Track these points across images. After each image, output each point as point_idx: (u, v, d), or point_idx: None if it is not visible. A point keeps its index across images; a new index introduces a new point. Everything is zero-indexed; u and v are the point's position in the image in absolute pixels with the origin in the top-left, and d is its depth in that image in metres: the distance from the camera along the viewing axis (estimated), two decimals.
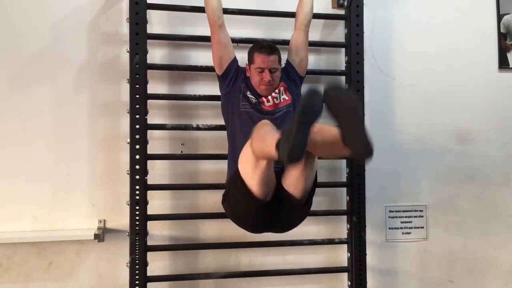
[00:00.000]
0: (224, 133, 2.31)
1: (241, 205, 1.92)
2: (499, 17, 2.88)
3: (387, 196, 2.73)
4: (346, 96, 1.55)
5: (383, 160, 2.70)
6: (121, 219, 2.40)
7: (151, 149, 2.33)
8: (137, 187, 2.27)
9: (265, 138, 1.68)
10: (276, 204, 1.90)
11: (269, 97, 2.19)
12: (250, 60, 2.20)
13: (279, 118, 2.18)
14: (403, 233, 2.74)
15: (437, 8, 2.81)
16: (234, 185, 1.98)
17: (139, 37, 2.30)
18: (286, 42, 2.40)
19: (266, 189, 1.82)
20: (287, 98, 2.24)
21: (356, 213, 2.50)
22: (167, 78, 2.49)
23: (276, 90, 2.21)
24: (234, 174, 2.01)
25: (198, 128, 2.42)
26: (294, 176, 1.85)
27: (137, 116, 2.28)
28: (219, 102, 2.31)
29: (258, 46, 2.18)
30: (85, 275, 2.41)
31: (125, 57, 2.37)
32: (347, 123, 1.53)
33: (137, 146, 2.27)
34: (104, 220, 2.42)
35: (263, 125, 1.81)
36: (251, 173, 1.79)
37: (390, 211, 2.73)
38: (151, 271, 2.32)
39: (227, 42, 2.23)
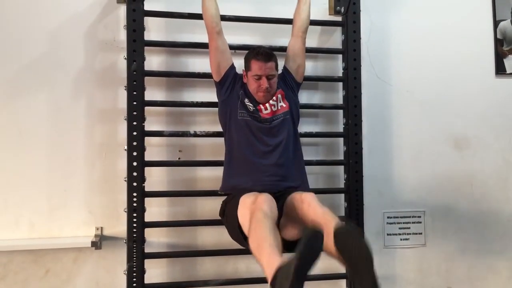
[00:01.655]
0: (221, 140, 2.31)
1: (237, 230, 1.95)
2: (496, 23, 2.89)
3: (385, 202, 2.73)
4: (360, 244, 1.49)
5: (380, 166, 2.71)
6: (119, 226, 2.40)
7: (148, 156, 2.33)
8: (135, 194, 2.26)
9: (263, 247, 1.64)
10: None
11: (267, 105, 2.19)
12: (247, 67, 2.20)
13: (276, 127, 2.18)
14: (401, 239, 2.74)
15: (434, 14, 2.82)
16: (229, 212, 2.05)
17: (137, 44, 2.30)
18: (283, 49, 2.41)
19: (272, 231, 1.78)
20: (284, 105, 2.24)
21: (354, 219, 2.50)
22: (165, 85, 2.49)
23: (274, 98, 2.21)
24: (229, 202, 2.08)
25: (195, 134, 2.41)
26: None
27: (135, 123, 2.28)
28: (217, 109, 2.31)
29: (255, 52, 2.18)
30: (82, 283, 2.40)
31: (122, 64, 2.37)
32: (360, 272, 1.48)
33: (135, 153, 2.27)
34: (102, 228, 2.42)
35: (262, 220, 1.72)
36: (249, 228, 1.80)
37: (388, 217, 2.73)
38: (148, 278, 2.31)
39: (225, 49, 2.23)
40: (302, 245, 1.42)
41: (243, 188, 2.06)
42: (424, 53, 2.80)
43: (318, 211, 1.78)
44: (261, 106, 2.19)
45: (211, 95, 2.37)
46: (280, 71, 2.30)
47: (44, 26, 2.41)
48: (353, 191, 2.52)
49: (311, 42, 2.59)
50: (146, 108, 2.34)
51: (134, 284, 2.24)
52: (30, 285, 2.36)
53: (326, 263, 2.57)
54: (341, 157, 2.62)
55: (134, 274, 2.24)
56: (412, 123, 2.77)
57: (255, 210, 1.78)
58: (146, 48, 2.34)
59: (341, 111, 2.63)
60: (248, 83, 2.21)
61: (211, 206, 2.41)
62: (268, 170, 2.13)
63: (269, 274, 1.55)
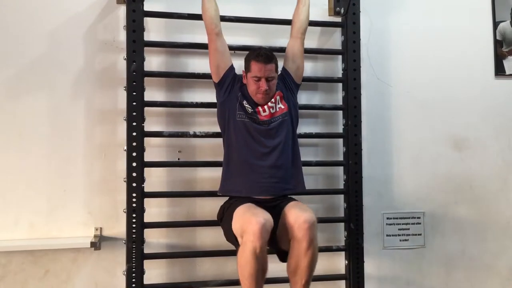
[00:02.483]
0: (221, 140, 2.31)
1: (234, 237, 2.02)
2: (495, 24, 2.90)
3: (385, 203, 2.73)
4: None
5: (380, 167, 2.71)
6: (118, 227, 2.40)
7: (148, 157, 2.33)
8: (134, 194, 2.26)
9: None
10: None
11: (265, 107, 2.19)
12: (247, 68, 2.20)
13: (274, 129, 2.19)
14: (400, 240, 2.74)
15: (433, 15, 2.83)
16: (226, 218, 2.09)
17: (136, 44, 2.30)
18: (282, 50, 2.41)
19: (259, 281, 1.94)
20: (283, 107, 2.24)
21: (353, 220, 2.50)
22: (164, 86, 2.49)
23: (272, 99, 2.21)
24: (226, 211, 2.12)
25: (195, 135, 2.42)
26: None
27: (134, 124, 2.28)
28: (216, 110, 2.31)
29: (255, 54, 2.17)
30: (81, 284, 2.40)
31: (122, 64, 2.37)
32: None
33: (134, 154, 2.27)
34: (101, 228, 2.41)
35: (251, 262, 1.86)
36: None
37: (387, 218, 2.73)
38: (148, 279, 2.31)
39: (224, 49, 2.23)
40: None
41: (238, 196, 2.13)
42: (423, 54, 2.80)
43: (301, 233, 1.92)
44: (260, 108, 2.19)
45: (210, 96, 2.37)
46: (279, 72, 2.30)
47: (44, 26, 2.41)
48: (353, 192, 2.52)
49: (311, 43, 2.60)
50: (146, 108, 2.34)
51: (133, 285, 2.24)
52: (29, 285, 2.35)
53: (325, 265, 2.58)
54: (341, 158, 2.62)
55: (133, 274, 2.24)
56: (411, 124, 2.77)
57: (247, 242, 1.85)
58: (145, 48, 2.34)
59: (340, 112, 2.63)
60: (247, 84, 2.21)
61: (211, 207, 2.41)
62: (266, 171, 2.14)
63: None
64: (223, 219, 2.15)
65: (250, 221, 1.87)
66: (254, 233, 1.83)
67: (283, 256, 2.08)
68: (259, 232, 1.83)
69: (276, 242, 2.07)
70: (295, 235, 1.93)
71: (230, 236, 2.07)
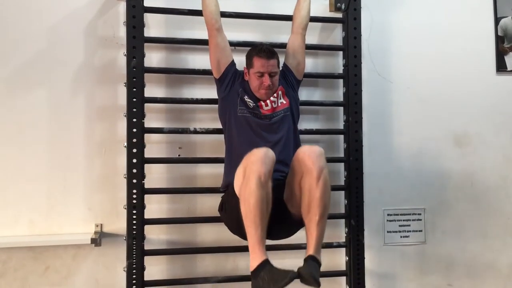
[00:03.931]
0: (221, 137, 2.31)
1: (237, 221, 1.92)
2: (497, 20, 2.88)
3: (385, 199, 2.72)
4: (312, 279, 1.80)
5: (381, 163, 2.70)
6: (118, 223, 2.40)
7: (148, 153, 2.32)
8: (134, 191, 2.26)
9: (251, 228, 1.80)
10: (275, 216, 1.89)
11: (267, 101, 2.19)
12: (249, 64, 2.19)
13: (276, 123, 2.18)
14: (401, 237, 2.74)
15: (434, 11, 2.82)
16: (230, 200, 2.01)
17: (136, 40, 2.29)
18: (283, 46, 2.40)
19: (264, 213, 1.82)
20: (284, 102, 2.23)
21: (354, 217, 2.50)
22: (164, 82, 2.49)
23: (275, 94, 2.21)
24: (229, 192, 2.05)
25: (195, 131, 2.41)
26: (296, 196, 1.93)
27: (134, 120, 2.27)
28: (217, 106, 2.30)
29: (257, 50, 2.17)
30: (81, 280, 2.40)
31: (122, 60, 2.36)
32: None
33: (134, 150, 2.26)
34: (101, 224, 2.41)
35: (255, 192, 1.79)
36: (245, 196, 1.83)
37: (388, 215, 2.73)
38: (148, 275, 2.31)
39: (224, 45, 2.23)
40: (289, 279, 1.71)
41: None
42: (424, 50, 2.79)
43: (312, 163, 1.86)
44: (262, 103, 2.19)
45: (211, 92, 2.36)
46: (280, 68, 2.30)
47: (44, 22, 2.40)
48: (353, 188, 2.51)
49: (312, 39, 2.59)
50: (146, 104, 2.33)
51: (134, 281, 2.24)
52: (30, 281, 2.36)
53: (326, 261, 2.57)
54: (341, 154, 2.61)
55: (134, 271, 2.24)
56: (412, 120, 2.76)
57: (250, 173, 1.79)
58: (145, 44, 2.33)
59: (341, 108, 2.62)
60: (249, 80, 2.20)
61: (211, 203, 2.41)
62: None
63: (252, 261, 1.78)
64: (226, 203, 2.10)
65: (251, 154, 1.84)
66: (257, 160, 1.80)
67: (295, 225, 2.04)
68: (262, 158, 1.80)
69: (286, 212, 2.01)
70: (305, 165, 1.86)
71: (233, 222, 2.02)
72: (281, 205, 1.97)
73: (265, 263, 1.76)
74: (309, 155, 1.87)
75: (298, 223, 1.99)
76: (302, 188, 1.89)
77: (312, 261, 1.83)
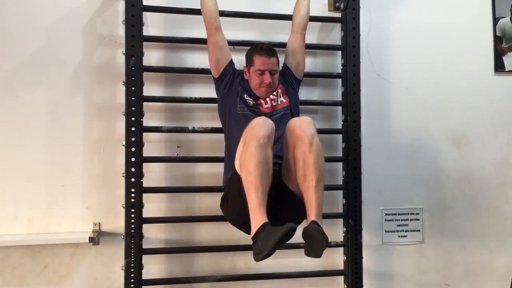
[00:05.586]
0: (220, 136, 2.31)
1: (240, 207, 1.89)
2: (495, 20, 2.89)
3: (383, 199, 2.73)
4: (320, 237, 1.76)
5: (379, 163, 2.70)
6: (116, 222, 2.39)
7: (146, 152, 2.32)
8: (133, 189, 2.25)
9: (252, 191, 1.78)
10: (277, 205, 1.90)
11: (267, 99, 2.19)
12: (250, 62, 2.19)
13: (276, 121, 2.17)
14: (399, 236, 2.74)
15: (433, 11, 2.82)
16: (232, 186, 1.99)
17: (135, 39, 2.29)
18: (283, 45, 2.40)
19: (264, 176, 1.80)
20: (284, 100, 2.23)
21: (352, 216, 2.50)
22: (163, 80, 2.49)
23: (274, 92, 2.21)
24: (231, 176, 2.02)
25: (194, 130, 2.41)
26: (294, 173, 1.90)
27: (133, 119, 2.27)
28: (216, 105, 2.30)
29: (258, 48, 2.18)
30: (80, 279, 2.40)
31: (121, 59, 2.36)
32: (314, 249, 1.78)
33: (133, 149, 2.26)
34: (99, 223, 2.41)
35: (255, 154, 1.80)
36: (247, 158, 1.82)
37: (386, 214, 2.73)
38: (146, 274, 2.31)
39: (223, 44, 2.23)
40: (285, 229, 1.66)
41: None
42: (423, 50, 2.80)
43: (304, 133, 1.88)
44: (261, 101, 2.19)
45: (210, 91, 2.36)
46: (280, 68, 2.30)
47: (42, 21, 2.40)
48: (352, 188, 2.51)
49: (310, 39, 2.59)
50: (145, 103, 2.33)
51: (132, 280, 2.24)
52: (28, 280, 2.35)
53: (324, 260, 2.58)
54: (340, 154, 2.61)
55: (132, 270, 2.24)
56: (410, 120, 2.77)
57: (250, 138, 1.81)
58: (144, 43, 2.33)
59: (340, 108, 2.63)
60: (250, 79, 2.21)
61: (210, 202, 2.41)
62: None
63: (253, 227, 1.75)
64: (226, 198, 2.09)
65: (250, 123, 1.87)
66: (255, 125, 1.82)
67: (298, 204, 2.01)
68: (261, 124, 1.82)
69: (287, 190, 2.01)
70: (296, 134, 1.88)
71: (235, 213, 2.00)
72: (281, 186, 1.97)
73: (264, 226, 1.72)
74: (299, 124, 1.90)
75: (300, 201, 1.94)
76: (296, 159, 1.89)
77: (315, 224, 1.79)
